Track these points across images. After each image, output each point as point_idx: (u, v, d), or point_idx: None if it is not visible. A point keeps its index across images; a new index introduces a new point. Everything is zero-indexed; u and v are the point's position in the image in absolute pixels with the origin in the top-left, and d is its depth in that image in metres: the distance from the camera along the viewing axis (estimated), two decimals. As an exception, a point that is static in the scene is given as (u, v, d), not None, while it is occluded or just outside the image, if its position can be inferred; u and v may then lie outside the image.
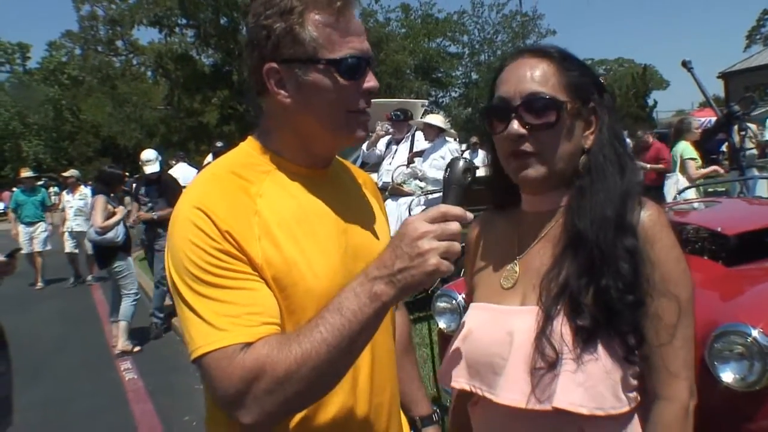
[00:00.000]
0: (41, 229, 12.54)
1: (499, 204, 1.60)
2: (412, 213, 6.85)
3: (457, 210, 1.15)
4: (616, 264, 1.29)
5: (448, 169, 1.26)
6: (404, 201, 7.07)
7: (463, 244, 1.24)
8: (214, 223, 1.21)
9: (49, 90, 49.86)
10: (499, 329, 1.39)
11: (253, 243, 1.24)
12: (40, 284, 12.46)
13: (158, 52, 30.91)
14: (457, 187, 1.24)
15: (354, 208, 1.50)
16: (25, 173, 12.98)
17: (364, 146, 8.67)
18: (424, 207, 6.96)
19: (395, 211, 7.10)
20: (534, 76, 1.35)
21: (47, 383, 6.52)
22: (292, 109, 1.33)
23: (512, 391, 1.35)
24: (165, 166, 11.20)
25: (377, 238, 1.53)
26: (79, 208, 12.12)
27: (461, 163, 1.25)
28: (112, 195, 7.50)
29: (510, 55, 1.45)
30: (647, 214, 1.34)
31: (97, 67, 33.31)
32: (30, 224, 12.34)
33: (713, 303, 3.05)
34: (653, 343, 1.31)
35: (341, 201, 1.45)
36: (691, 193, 7.46)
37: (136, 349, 7.34)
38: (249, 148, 1.42)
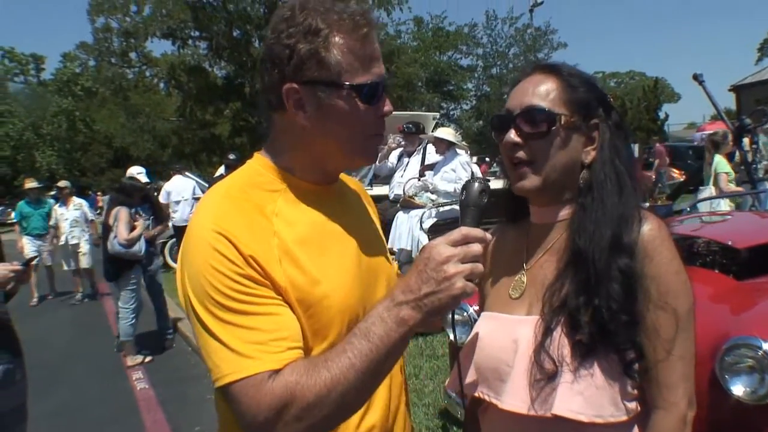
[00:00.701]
0: (49, 242, 11.81)
1: (511, 217, 1.63)
2: (423, 225, 6.88)
3: (477, 232, 1.17)
4: (608, 285, 1.32)
5: (464, 192, 1.29)
6: (415, 213, 7.10)
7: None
8: (236, 248, 1.21)
9: (63, 101, 50.27)
10: (506, 337, 1.43)
11: (275, 266, 1.24)
12: (49, 297, 12.18)
13: (171, 64, 31.03)
14: (474, 208, 1.26)
15: (360, 221, 1.53)
16: (30, 184, 11.89)
17: (376, 162, 8.72)
18: (435, 219, 6.99)
19: (406, 222, 7.14)
20: (536, 91, 1.41)
21: (59, 392, 6.55)
22: (310, 130, 1.33)
23: (515, 398, 1.39)
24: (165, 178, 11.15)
25: (382, 248, 1.56)
26: (75, 219, 11.42)
27: (476, 185, 1.28)
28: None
29: (523, 70, 1.50)
30: (647, 229, 1.37)
31: (111, 79, 33.50)
32: (38, 237, 11.61)
33: (724, 316, 3.06)
34: (651, 358, 1.34)
35: (349, 215, 1.47)
36: (724, 205, 7.44)
37: (147, 359, 7.36)
38: (258, 165, 1.41)
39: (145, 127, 38.11)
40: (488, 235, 1.19)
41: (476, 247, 1.15)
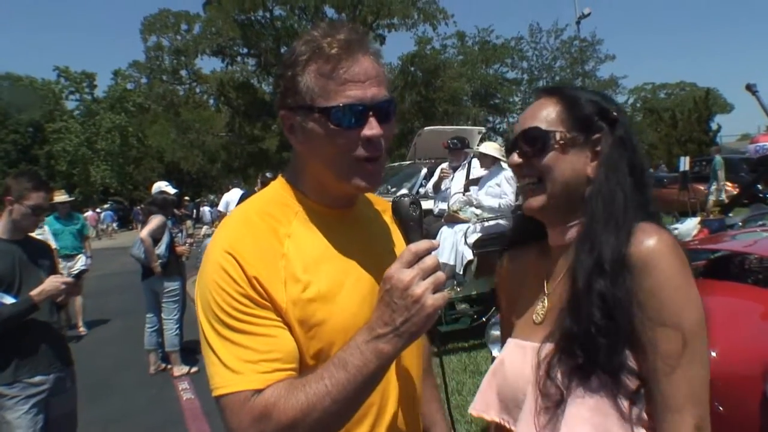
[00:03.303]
0: (81, 263, 9.65)
1: (520, 240, 1.64)
2: (467, 240, 6.86)
3: (424, 244, 1.18)
4: (589, 309, 1.28)
5: (396, 211, 1.29)
6: (460, 228, 7.08)
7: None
8: (242, 267, 1.26)
9: (116, 117, 51.64)
10: (526, 364, 1.41)
11: (278, 287, 1.28)
12: (82, 329, 10.52)
13: (220, 80, 31.72)
14: (413, 222, 1.26)
15: (379, 245, 1.53)
16: (60, 197, 9.59)
17: (430, 188, 8.73)
18: (479, 234, 6.96)
19: (451, 237, 7.11)
20: (536, 114, 1.45)
21: (108, 400, 6.71)
22: (304, 154, 1.40)
23: (528, 425, 1.36)
24: (221, 191, 10.97)
25: None
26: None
27: (405, 200, 1.28)
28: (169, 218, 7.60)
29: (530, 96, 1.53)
30: (646, 243, 1.29)
31: (162, 95, 34.39)
32: (68, 257, 9.67)
33: (775, 335, 2.97)
34: (651, 378, 1.25)
35: (367, 239, 1.49)
36: None
37: (194, 370, 7.45)
38: (279, 187, 1.47)
39: (195, 142, 38.86)
40: (435, 242, 1.20)
41: (430, 260, 1.16)
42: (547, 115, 1.43)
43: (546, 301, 1.48)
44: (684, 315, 1.26)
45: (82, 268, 6.23)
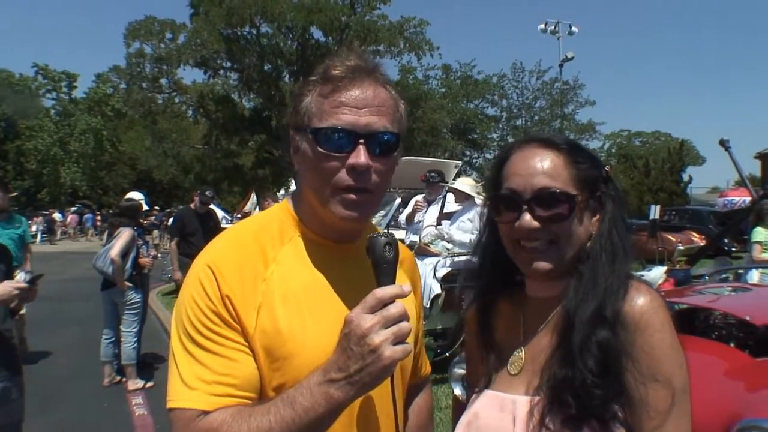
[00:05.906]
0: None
1: (497, 288, 1.55)
2: (436, 273, 6.83)
3: (391, 290, 1.14)
4: (585, 358, 1.26)
5: (370, 250, 1.22)
6: (430, 261, 7.06)
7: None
8: (218, 284, 1.24)
9: (92, 119, 51.16)
10: (504, 417, 1.38)
11: (250, 312, 1.25)
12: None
13: (201, 92, 31.56)
14: (386, 265, 1.21)
15: (374, 287, 1.46)
16: None
17: (403, 219, 8.74)
18: (449, 269, 6.94)
19: (420, 270, 7.07)
20: (544, 169, 1.35)
21: (58, 411, 6.51)
22: (301, 176, 1.36)
23: None
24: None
25: None
26: None
27: (381, 239, 1.22)
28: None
29: (517, 143, 1.45)
30: (639, 300, 1.31)
31: (140, 102, 33.96)
32: None
33: (737, 394, 2.98)
34: (638, 429, 1.26)
35: (360, 278, 1.38)
36: (756, 276, 7.30)
37: (149, 384, 7.28)
38: (280, 210, 1.43)
39: (170, 152, 38.44)
40: (406, 287, 1.16)
41: (395, 308, 1.12)
42: (555, 171, 1.35)
43: (523, 352, 1.44)
44: (675, 373, 1.28)
45: (37, 274, 5.70)
